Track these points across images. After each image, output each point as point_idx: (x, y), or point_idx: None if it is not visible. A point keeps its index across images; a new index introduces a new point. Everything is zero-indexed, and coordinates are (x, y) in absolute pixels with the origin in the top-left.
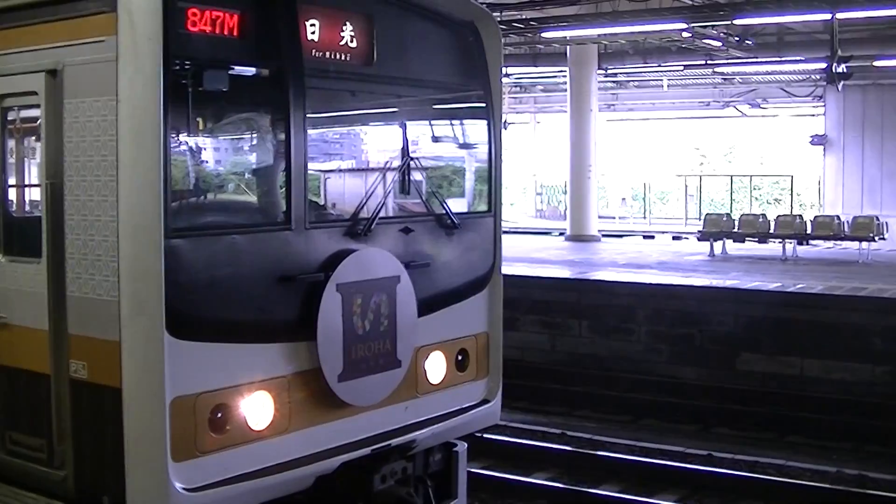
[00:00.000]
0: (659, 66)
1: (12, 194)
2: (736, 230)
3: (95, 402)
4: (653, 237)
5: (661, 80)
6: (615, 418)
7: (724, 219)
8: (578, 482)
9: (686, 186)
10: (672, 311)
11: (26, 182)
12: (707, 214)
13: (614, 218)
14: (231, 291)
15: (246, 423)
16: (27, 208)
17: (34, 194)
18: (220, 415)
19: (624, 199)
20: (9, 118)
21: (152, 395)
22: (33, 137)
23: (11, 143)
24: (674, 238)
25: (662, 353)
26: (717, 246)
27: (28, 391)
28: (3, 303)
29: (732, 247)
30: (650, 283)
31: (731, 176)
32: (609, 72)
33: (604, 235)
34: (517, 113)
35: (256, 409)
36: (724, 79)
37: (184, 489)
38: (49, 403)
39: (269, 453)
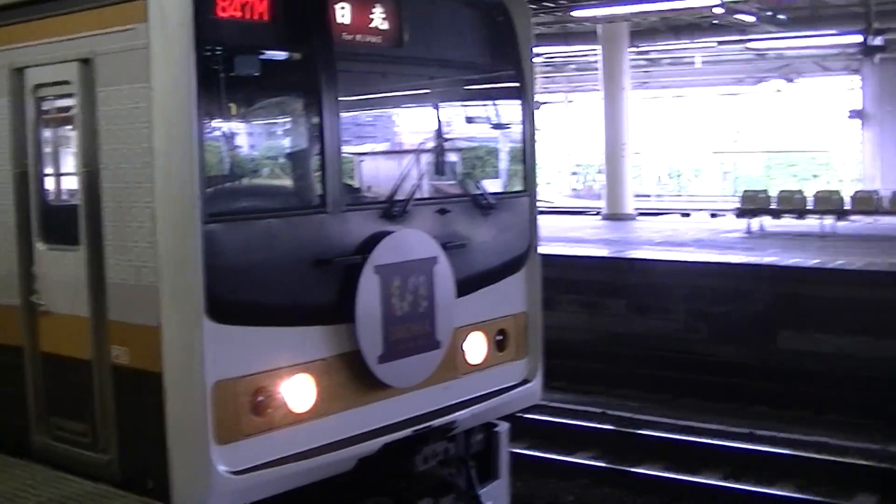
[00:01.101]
0: (691, 42)
1: (49, 183)
2: (773, 206)
3: (137, 387)
4: (688, 215)
5: (694, 56)
6: (655, 397)
7: (761, 195)
8: (620, 461)
9: (722, 163)
10: (710, 289)
11: (62, 171)
12: (744, 191)
13: (650, 196)
14: (269, 275)
15: (287, 405)
16: (64, 197)
17: (71, 183)
18: (261, 398)
19: (659, 176)
20: (43, 108)
21: (193, 379)
22: (68, 126)
23: (47, 133)
24: (710, 215)
25: (701, 331)
26: (755, 223)
27: (71, 377)
28: (43, 291)
29: (770, 223)
30: (687, 261)
31: (767, 152)
32: (641, 49)
33: (639, 214)
34: (550, 92)
35: (298, 391)
36: (758, 54)
37: (227, 472)
38: (92, 389)
39: (312, 435)
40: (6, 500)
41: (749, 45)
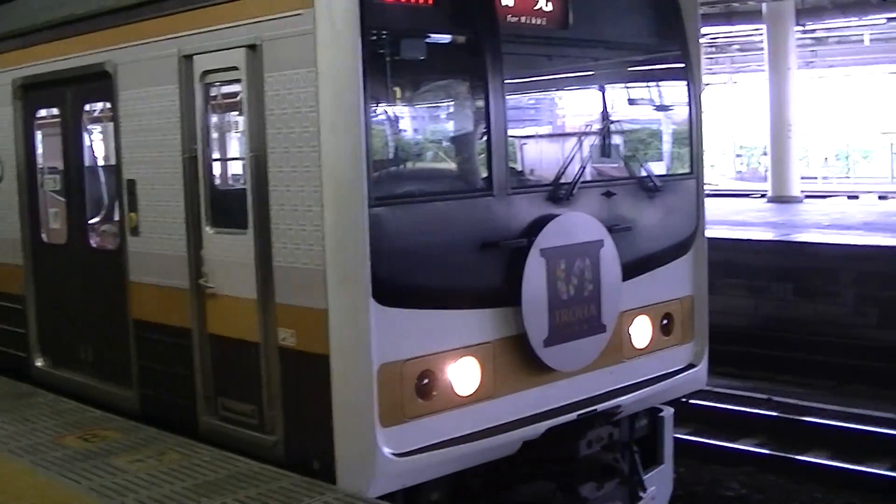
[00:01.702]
0: (859, 19)
1: (217, 168)
2: None
3: (304, 369)
4: (857, 197)
5: (862, 34)
6: (821, 383)
7: None
8: (785, 449)
9: (891, 144)
10: (880, 274)
11: (230, 156)
12: None
13: (816, 178)
14: (435, 258)
15: (452, 388)
16: (232, 181)
17: (238, 167)
18: (426, 381)
19: (826, 158)
20: (211, 94)
21: (360, 361)
22: (235, 112)
23: (215, 118)
24: (879, 198)
25: (870, 316)
26: None
27: (238, 359)
28: (211, 273)
29: None
30: (856, 245)
31: None
32: (807, 28)
33: (806, 196)
34: (713, 73)
35: (462, 374)
36: None
37: (392, 454)
38: (259, 370)
39: (476, 419)
40: (176, 479)
41: None
